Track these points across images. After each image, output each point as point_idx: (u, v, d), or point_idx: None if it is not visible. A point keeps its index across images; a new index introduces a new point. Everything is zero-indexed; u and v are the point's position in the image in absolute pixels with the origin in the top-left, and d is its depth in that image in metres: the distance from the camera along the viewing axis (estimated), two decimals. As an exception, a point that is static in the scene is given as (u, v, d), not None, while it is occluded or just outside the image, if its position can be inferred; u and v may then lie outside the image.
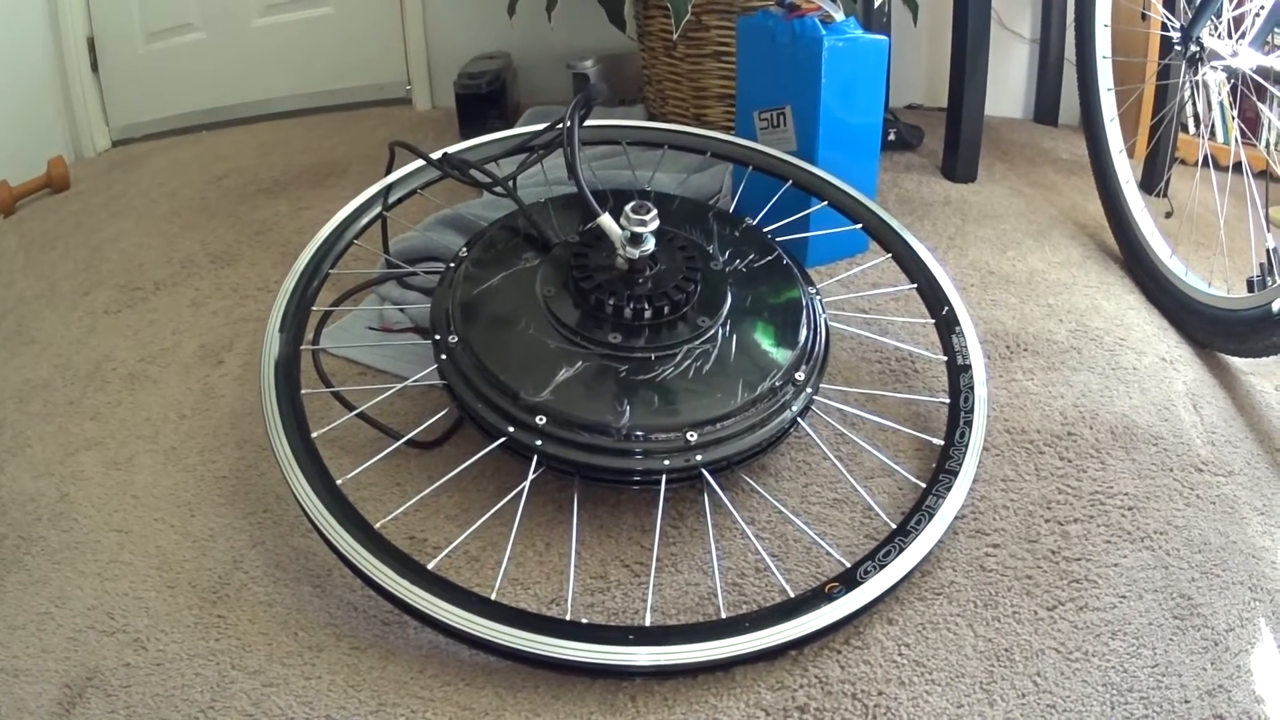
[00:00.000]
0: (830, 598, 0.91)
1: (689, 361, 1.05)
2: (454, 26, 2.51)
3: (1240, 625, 0.92)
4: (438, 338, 1.07)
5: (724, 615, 0.92)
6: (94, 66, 2.47)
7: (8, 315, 1.63)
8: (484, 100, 2.20)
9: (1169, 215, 1.68)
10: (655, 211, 1.04)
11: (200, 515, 1.11)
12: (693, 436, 0.98)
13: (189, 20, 2.52)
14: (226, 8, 2.50)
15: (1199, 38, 1.39)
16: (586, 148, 1.37)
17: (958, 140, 1.89)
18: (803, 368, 1.08)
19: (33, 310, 1.63)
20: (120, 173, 2.28)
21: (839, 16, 1.44)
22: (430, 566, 0.91)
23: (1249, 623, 0.93)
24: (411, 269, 1.37)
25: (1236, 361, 1.34)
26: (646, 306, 1.06)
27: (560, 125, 1.24)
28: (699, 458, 0.98)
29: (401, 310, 1.39)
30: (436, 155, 1.28)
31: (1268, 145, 1.47)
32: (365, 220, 1.23)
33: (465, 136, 2.19)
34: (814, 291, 1.19)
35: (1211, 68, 1.39)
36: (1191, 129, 1.95)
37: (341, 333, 1.36)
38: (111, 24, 2.45)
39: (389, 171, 1.29)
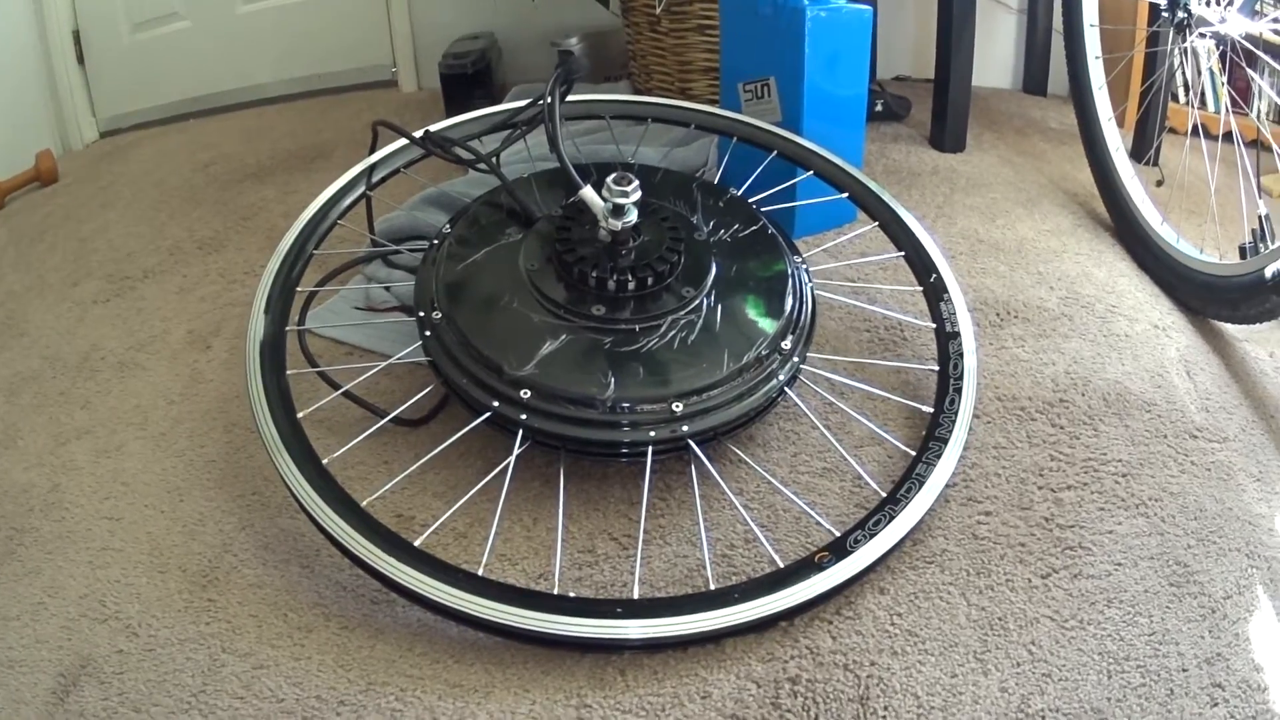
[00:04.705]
0: (820, 567, 0.91)
1: (673, 332, 1.04)
2: (438, 7, 2.49)
3: (1238, 592, 0.92)
4: (421, 315, 1.06)
5: (713, 587, 0.92)
6: (80, 58, 2.45)
7: (-4, 309, 1.63)
8: (469, 80, 2.19)
9: (1160, 184, 1.67)
10: (637, 183, 1.04)
11: (189, 500, 1.11)
12: (678, 407, 0.98)
13: (173, 9, 2.50)
14: (210, -5, 2.48)
15: (1187, 4, 1.38)
16: (571, 123, 1.36)
17: (945, 110, 1.88)
18: (789, 336, 1.08)
19: (22, 303, 1.63)
20: (108, 164, 2.28)
21: (822, -14, 1.43)
22: (417, 544, 0.90)
23: (1246, 590, 0.93)
24: (396, 247, 1.36)
25: (1230, 328, 1.34)
26: (630, 278, 1.05)
27: (542, 101, 1.24)
28: (685, 428, 0.98)
29: (387, 289, 1.39)
30: (419, 133, 1.27)
31: (1259, 114, 1.46)
32: (349, 200, 1.23)
33: (451, 117, 2.20)
34: (800, 261, 1.18)
35: (1200, 34, 1.38)
36: (1182, 97, 1.94)
37: (328, 314, 1.36)
38: (96, 15, 2.44)
39: (372, 151, 1.28)
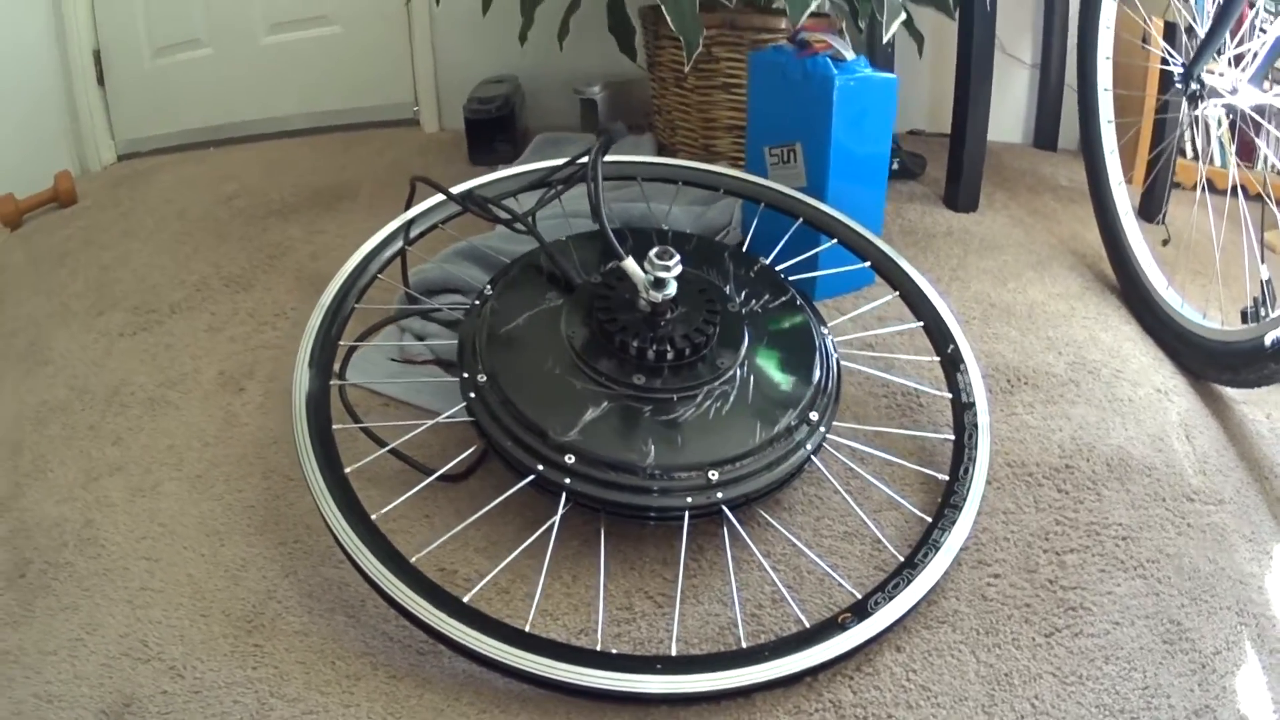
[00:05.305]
0: (843, 628, 0.95)
1: (709, 402, 1.08)
2: (462, 49, 2.52)
3: (1227, 648, 0.97)
4: (466, 375, 1.10)
5: (745, 645, 0.96)
6: (100, 80, 2.47)
7: (19, 333, 1.64)
8: (493, 125, 2.22)
9: (1166, 243, 1.72)
10: (678, 257, 1.08)
11: (230, 544, 1.13)
12: (714, 475, 1.02)
13: (196, 36, 2.52)
14: (234, 24, 2.51)
15: (1200, 76, 1.42)
16: (603, 182, 1.40)
17: (960, 170, 1.93)
18: (816, 407, 1.12)
19: (45, 330, 1.64)
20: (127, 188, 2.29)
21: (850, 55, 1.48)
22: (466, 599, 0.94)
23: (1235, 645, 0.98)
24: (436, 305, 1.39)
25: (1229, 390, 1.38)
26: (669, 349, 1.09)
27: (579, 161, 1.28)
28: (719, 495, 1.02)
29: (424, 342, 1.41)
30: (457, 190, 1.31)
31: (1264, 184, 1.51)
32: (388, 254, 1.26)
33: (474, 161, 2.25)
34: (826, 331, 1.23)
35: (1211, 104, 1.43)
36: (1189, 151, 2.00)
37: (364, 363, 1.38)
38: (118, 37, 2.47)
39: (409, 205, 1.31)
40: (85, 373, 1.50)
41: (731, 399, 1.09)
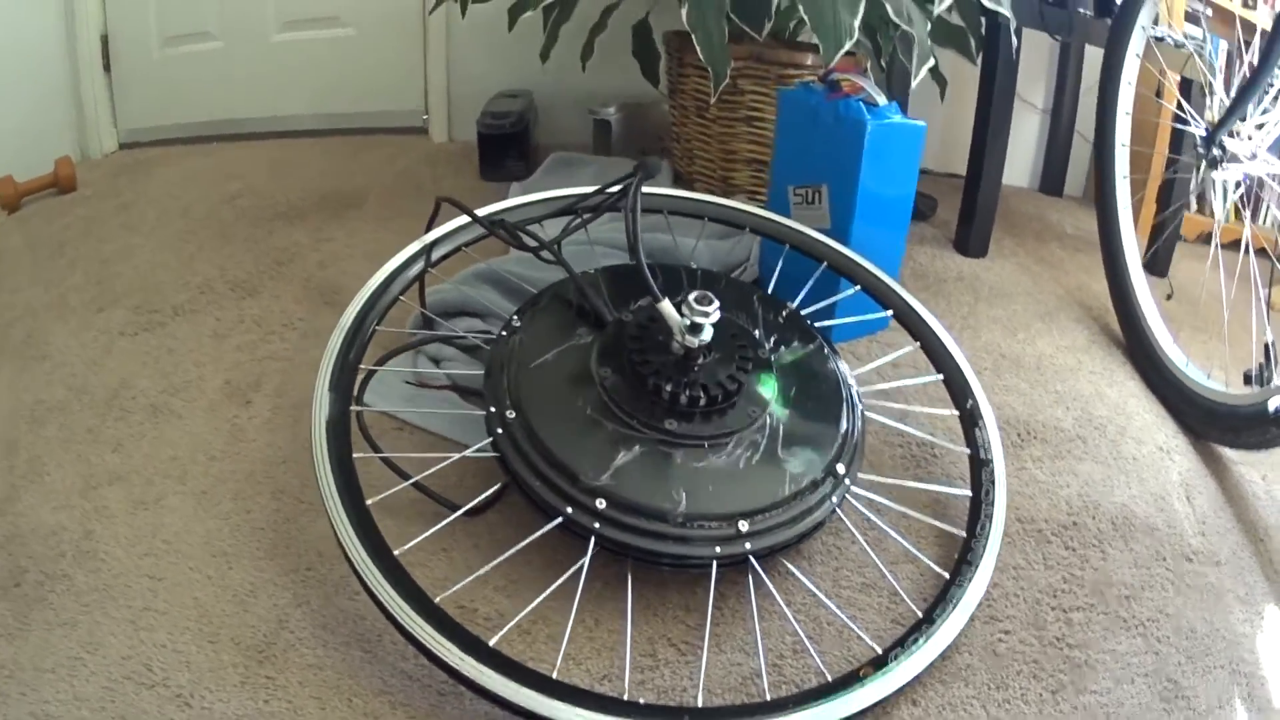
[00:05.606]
0: (863, 682, 0.96)
1: (740, 450, 1.08)
2: (476, 60, 2.50)
3: (1220, 706, 1.01)
4: (493, 410, 1.08)
5: (769, 696, 0.96)
6: (106, 66, 2.44)
7: (15, 323, 1.61)
8: (506, 140, 2.21)
9: (1169, 297, 1.74)
10: (718, 304, 1.07)
11: (238, 568, 1.10)
12: (744, 526, 1.02)
13: (207, 28, 2.50)
14: (246, 20, 2.49)
15: (1222, 141, 1.44)
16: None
17: (973, 215, 1.94)
18: (843, 459, 1.12)
19: (42, 322, 1.61)
20: (128, 179, 2.26)
21: (882, 100, 1.48)
22: (492, 643, 0.92)
23: (1227, 704, 1.01)
24: (460, 333, 1.37)
25: (1228, 451, 1.41)
26: (702, 395, 1.08)
27: (608, 190, 1.27)
28: (748, 546, 1.02)
29: (439, 366, 1.39)
30: (483, 212, 1.29)
31: (1275, 244, 1.53)
32: (410, 275, 1.24)
33: (485, 176, 2.23)
34: (851, 382, 1.23)
35: (1225, 167, 1.45)
36: (1194, 206, 2.03)
37: (380, 386, 1.36)
38: (127, 24, 2.44)
39: (431, 226, 1.29)
40: (84, 372, 1.47)
41: (762, 448, 1.09)
